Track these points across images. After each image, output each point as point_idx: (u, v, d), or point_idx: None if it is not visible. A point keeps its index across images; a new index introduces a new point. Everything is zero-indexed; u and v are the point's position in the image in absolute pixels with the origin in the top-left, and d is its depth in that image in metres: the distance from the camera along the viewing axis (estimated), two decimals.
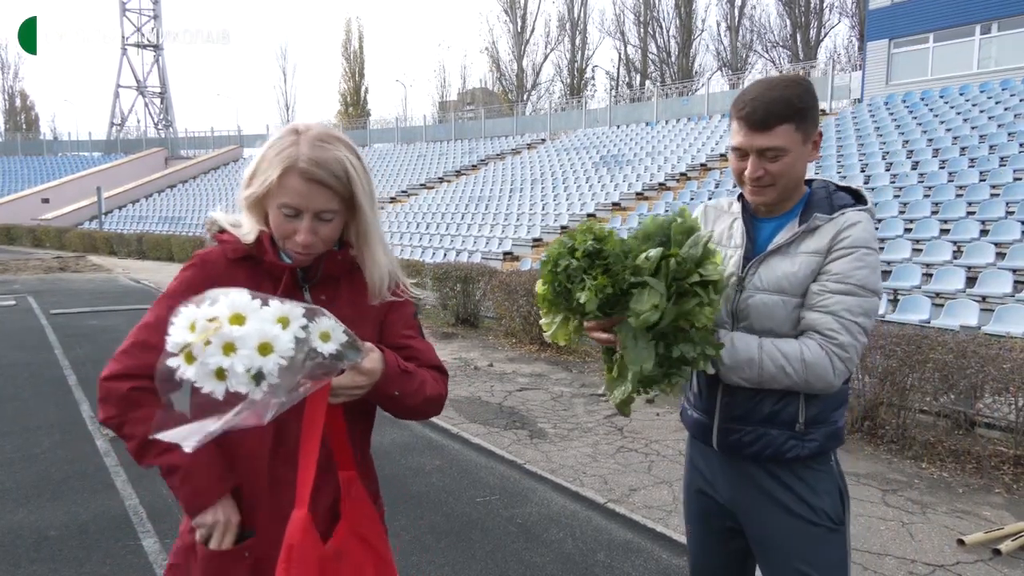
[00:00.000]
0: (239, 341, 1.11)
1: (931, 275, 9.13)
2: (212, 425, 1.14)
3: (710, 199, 2.02)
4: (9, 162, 46.82)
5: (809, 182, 1.77)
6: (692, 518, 1.95)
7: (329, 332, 1.21)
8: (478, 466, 4.83)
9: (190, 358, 1.11)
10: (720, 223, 1.85)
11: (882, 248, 10.20)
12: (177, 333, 1.12)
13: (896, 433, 5.12)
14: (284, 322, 1.16)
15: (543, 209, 19.97)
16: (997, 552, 3.54)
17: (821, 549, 1.69)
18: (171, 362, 1.12)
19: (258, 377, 1.12)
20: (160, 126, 56.80)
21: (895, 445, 5.08)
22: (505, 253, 16.23)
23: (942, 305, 8.22)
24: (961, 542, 3.64)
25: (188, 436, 1.14)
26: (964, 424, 5.18)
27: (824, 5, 39.85)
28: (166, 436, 1.16)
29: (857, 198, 1.73)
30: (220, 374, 1.11)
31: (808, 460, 1.70)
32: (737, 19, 42.32)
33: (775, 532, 1.73)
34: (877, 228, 10.80)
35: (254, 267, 1.43)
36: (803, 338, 1.61)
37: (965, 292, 8.43)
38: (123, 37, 56.09)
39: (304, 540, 1.30)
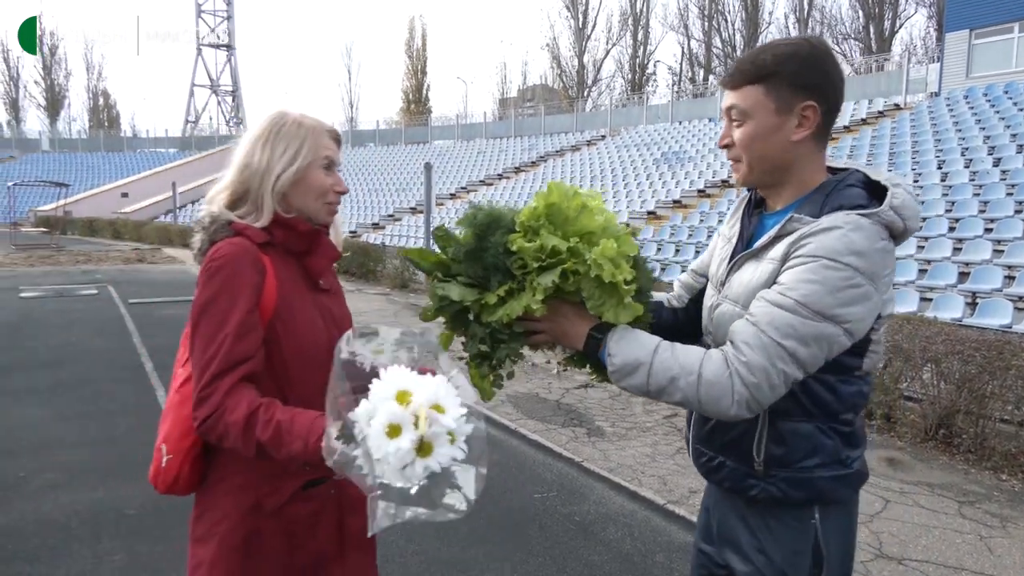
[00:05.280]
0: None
1: (1013, 277, 8.67)
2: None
3: None
4: (92, 158, 49.39)
5: (837, 171, 1.46)
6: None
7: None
8: (536, 462, 4.84)
9: (396, 432, 1.08)
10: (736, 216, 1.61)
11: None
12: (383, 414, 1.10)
13: (974, 442, 4.89)
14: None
15: None
16: None
17: None
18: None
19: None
20: (231, 123, 58.86)
21: (973, 455, 4.85)
22: None
23: None
24: None
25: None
26: None
27: None
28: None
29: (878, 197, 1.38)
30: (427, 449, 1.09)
31: (774, 508, 1.43)
32: (807, 10, 41.05)
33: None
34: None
35: (273, 251, 1.52)
36: (714, 349, 1.35)
37: None
38: (198, 37, 58.31)
39: None
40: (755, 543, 1.45)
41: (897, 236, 1.36)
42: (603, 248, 1.34)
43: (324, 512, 1.55)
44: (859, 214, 1.31)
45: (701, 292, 1.65)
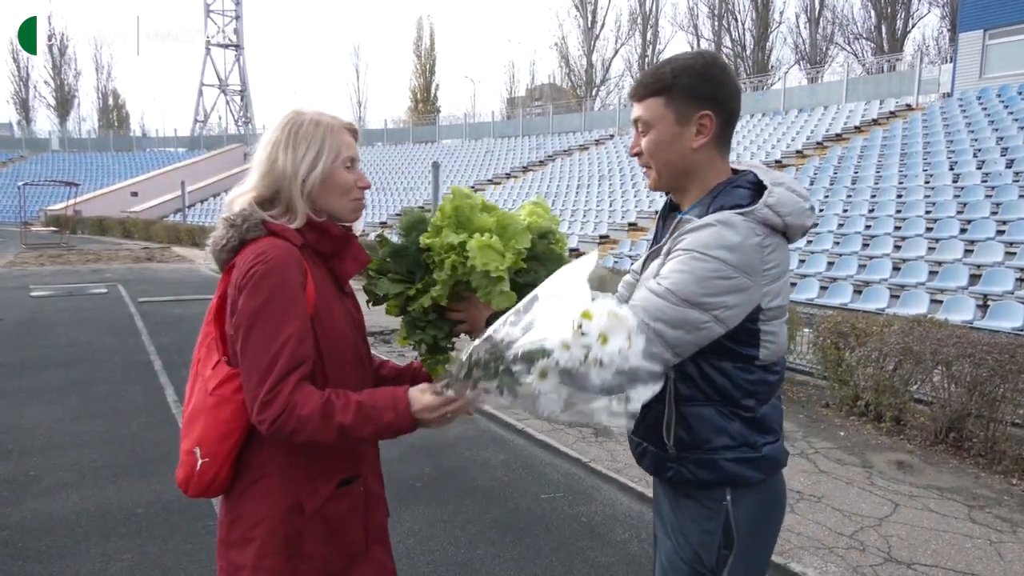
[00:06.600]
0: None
1: None
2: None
3: None
4: (102, 157, 49.64)
5: (738, 172, 1.56)
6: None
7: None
8: (542, 462, 4.83)
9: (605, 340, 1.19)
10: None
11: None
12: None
13: (985, 446, 4.85)
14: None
15: (610, 206, 19.80)
16: None
17: None
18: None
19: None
20: (240, 123, 59.04)
21: (983, 459, 4.81)
22: (571, 250, 16.15)
23: None
24: None
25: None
26: None
27: None
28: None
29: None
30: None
31: (690, 489, 1.52)
32: (818, 10, 40.80)
33: (658, 555, 1.64)
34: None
35: (306, 253, 1.51)
36: None
37: None
38: (207, 37, 58.55)
39: None
40: (676, 523, 1.57)
41: (783, 232, 1.47)
42: (475, 241, 1.51)
43: (355, 509, 1.59)
44: (735, 213, 1.43)
45: None
